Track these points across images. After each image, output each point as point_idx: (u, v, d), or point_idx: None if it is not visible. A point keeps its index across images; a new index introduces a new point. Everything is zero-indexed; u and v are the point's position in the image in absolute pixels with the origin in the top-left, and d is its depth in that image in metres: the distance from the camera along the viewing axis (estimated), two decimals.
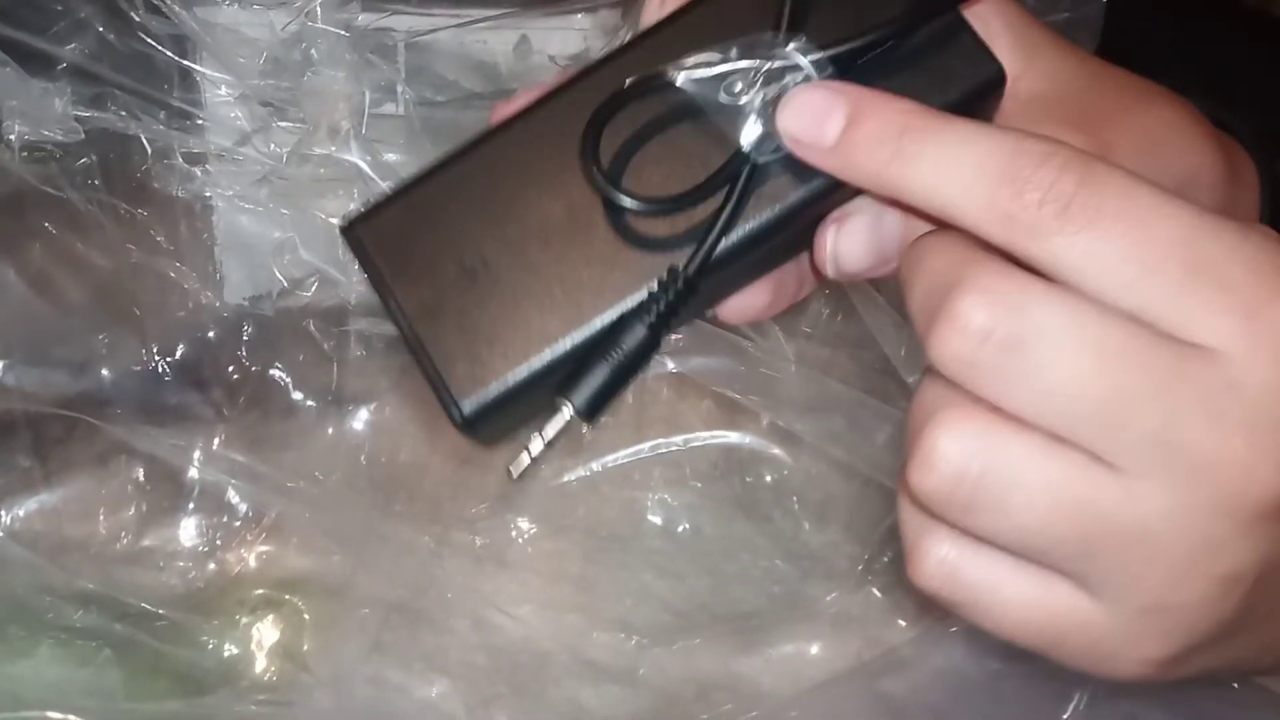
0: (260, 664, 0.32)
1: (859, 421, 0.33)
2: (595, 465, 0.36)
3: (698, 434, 0.35)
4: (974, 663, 0.28)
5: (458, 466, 0.38)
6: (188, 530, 0.35)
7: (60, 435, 0.34)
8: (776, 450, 0.39)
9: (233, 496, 0.33)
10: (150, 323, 0.34)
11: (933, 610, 0.32)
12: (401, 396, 0.37)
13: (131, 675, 0.30)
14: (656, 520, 0.38)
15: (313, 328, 0.34)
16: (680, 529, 0.38)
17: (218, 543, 0.34)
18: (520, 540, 0.36)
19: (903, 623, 0.32)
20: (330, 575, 0.34)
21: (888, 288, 0.31)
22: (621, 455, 0.36)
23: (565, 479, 0.36)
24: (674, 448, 0.35)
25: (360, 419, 0.36)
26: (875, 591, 0.33)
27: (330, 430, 0.37)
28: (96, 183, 0.31)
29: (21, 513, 0.34)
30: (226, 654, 0.32)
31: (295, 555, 0.35)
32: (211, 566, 0.34)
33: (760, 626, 0.35)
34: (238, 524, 0.33)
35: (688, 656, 0.34)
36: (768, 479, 0.40)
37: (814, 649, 0.34)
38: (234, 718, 0.30)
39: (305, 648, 0.33)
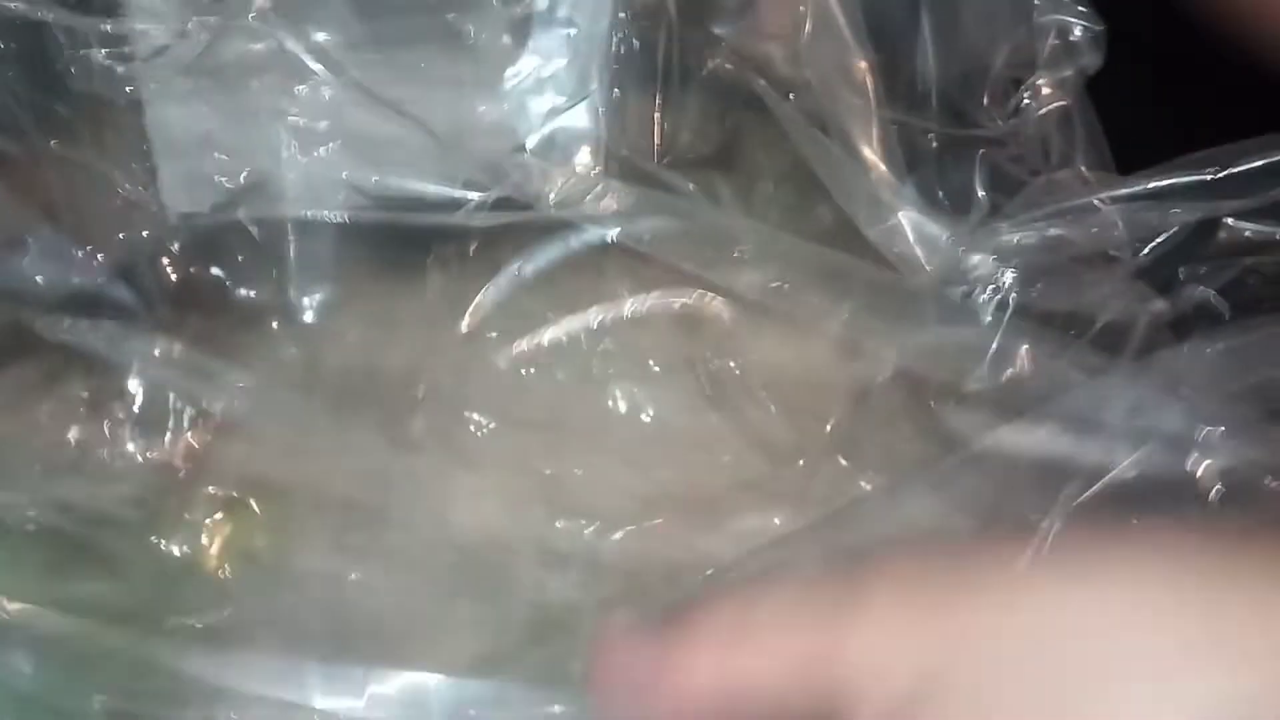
0: (213, 563, 0.31)
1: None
2: (545, 343, 0.35)
3: (646, 297, 0.34)
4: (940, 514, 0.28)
5: (409, 367, 0.38)
6: (133, 433, 0.34)
7: None
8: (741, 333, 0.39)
9: (177, 398, 0.32)
10: (83, 224, 0.32)
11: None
12: (348, 293, 0.35)
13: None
14: (620, 411, 0.37)
15: (251, 225, 0.33)
16: (645, 419, 0.37)
17: (165, 445, 0.33)
18: (480, 435, 0.35)
19: (868, 486, 0.32)
20: (283, 476, 0.34)
21: None
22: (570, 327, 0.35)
23: (521, 370, 0.35)
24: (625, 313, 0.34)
25: (306, 318, 0.35)
26: (840, 460, 0.33)
27: (277, 330, 0.36)
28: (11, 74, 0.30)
29: None
30: (177, 554, 0.31)
31: (245, 457, 0.34)
32: (158, 469, 0.33)
33: (727, 509, 0.35)
34: (185, 425, 0.32)
35: (652, 539, 0.33)
36: (733, 366, 0.39)
37: (778, 521, 0.34)
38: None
39: (260, 546, 0.32)
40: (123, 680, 0.28)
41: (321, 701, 0.27)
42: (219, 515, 0.32)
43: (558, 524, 0.33)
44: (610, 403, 0.37)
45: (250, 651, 0.29)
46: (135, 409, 0.32)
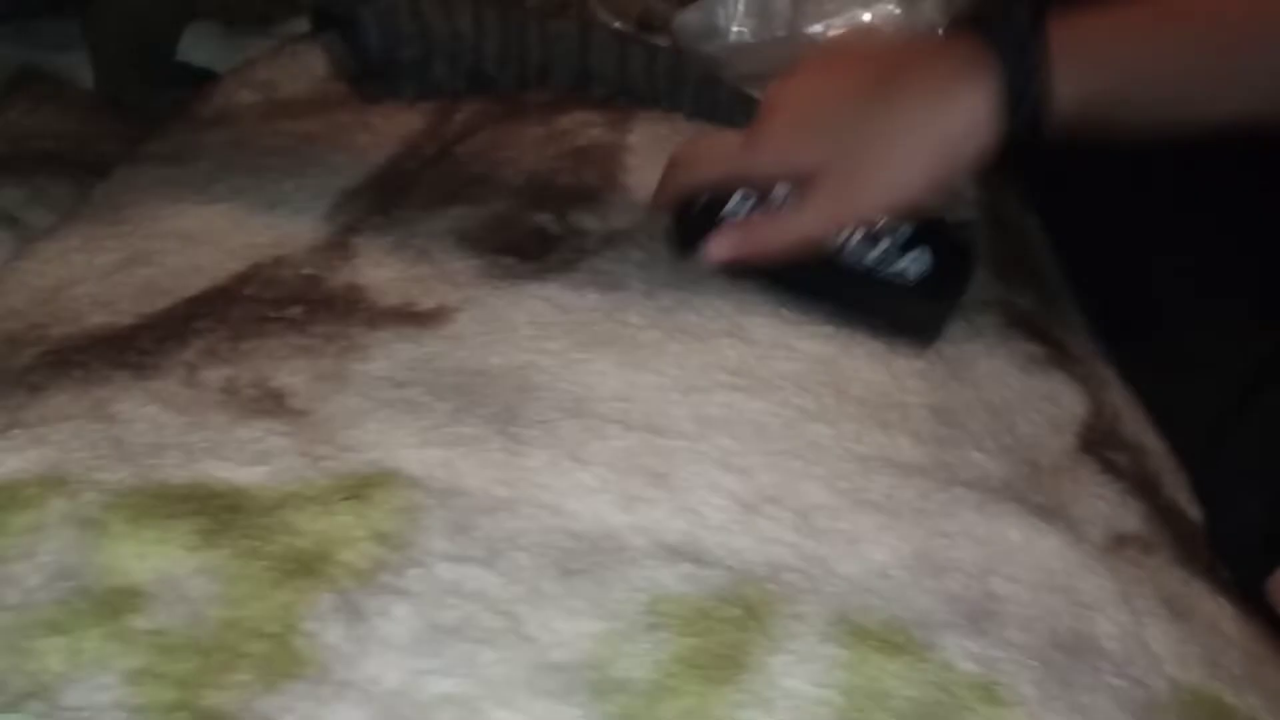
0: (348, 550, 0.33)
1: None
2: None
3: None
4: None
5: (520, 366, 0.39)
6: (269, 428, 0.36)
7: None
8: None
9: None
10: None
11: None
12: (464, 298, 0.37)
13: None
14: (723, 419, 0.39)
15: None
16: (746, 429, 0.39)
17: (298, 437, 0.35)
18: (594, 439, 0.37)
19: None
20: (413, 469, 0.35)
21: None
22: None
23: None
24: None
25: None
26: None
27: (412, 341, 0.38)
28: None
29: None
30: (314, 541, 0.33)
31: (378, 455, 0.36)
32: (295, 460, 0.35)
33: (829, 514, 0.36)
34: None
35: (759, 539, 0.35)
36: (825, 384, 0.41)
37: (876, 529, 0.35)
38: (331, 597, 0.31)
39: (389, 530, 0.33)
40: None
41: None
42: (355, 505, 0.34)
43: (668, 523, 0.35)
44: (712, 409, 0.39)
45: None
46: (266, 404, 0.34)
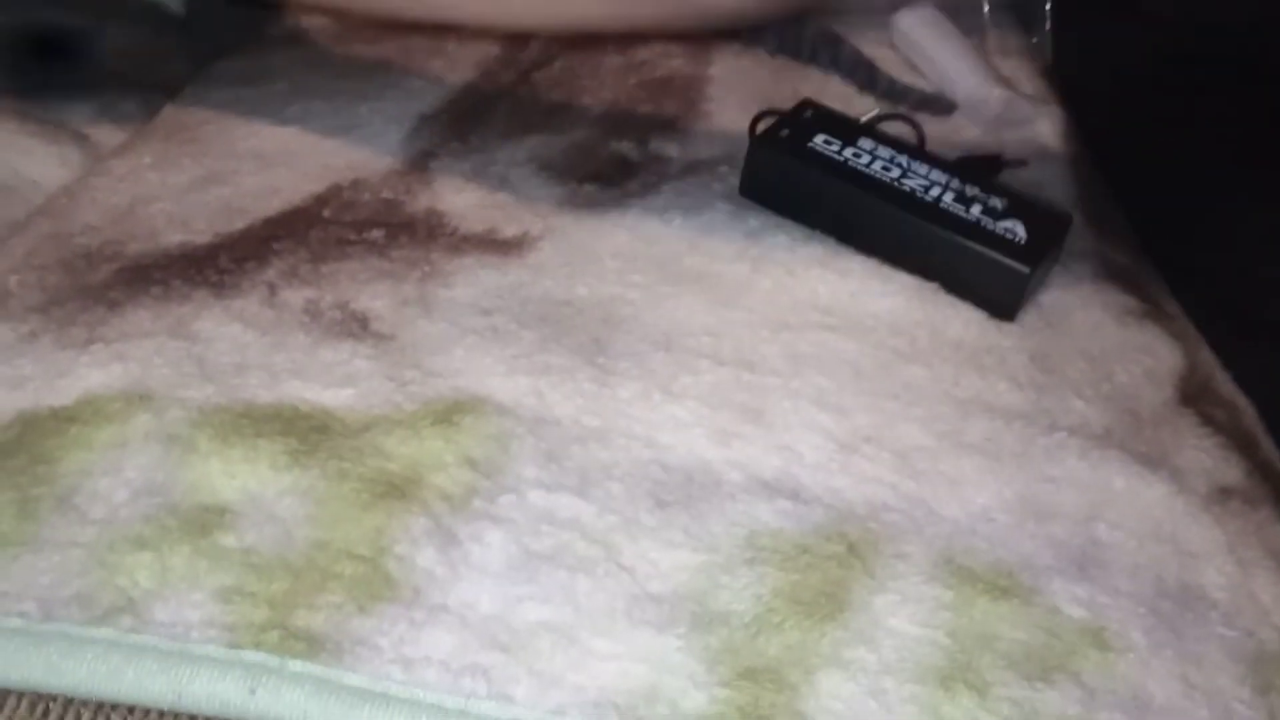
0: (439, 475, 0.32)
1: None
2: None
3: None
4: None
5: (610, 298, 0.38)
6: (354, 350, 0.35)
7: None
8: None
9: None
10: None
11: None
12: (548, 226, 0.36)
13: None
14: (816, 357, 0.37)
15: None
16: (840, 368, 0.37)
17: (383, 360, 0.34)
18: (684, 373, 0.36)
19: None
20: (502, 397, 0.34)
21: None
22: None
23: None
24: None
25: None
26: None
27: (496, 269, 0.37)
28: None
29: None
30: (404, 465, 0.32)
31: (466, 382, 0.35)
32: (382, 384, 0.34)
33: (928, 456, 0.35)
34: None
35: (857, 478, 0.34)
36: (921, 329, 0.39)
37: (977, 472, 0.34)
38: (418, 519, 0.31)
39: (480, 458, 0.32)
40: None
41: None
42: (447, 430, 0.33)
43: (764, 459, 0.34)
44: (804, 348, 0.38)
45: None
46: (362, 333, 0.33)
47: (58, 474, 0.31)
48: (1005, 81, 0.53)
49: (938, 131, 0.49)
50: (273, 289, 0.38)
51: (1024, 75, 0.55)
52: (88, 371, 0.34)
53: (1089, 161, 0.51)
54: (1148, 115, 0.50)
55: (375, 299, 0.37)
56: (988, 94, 0.52)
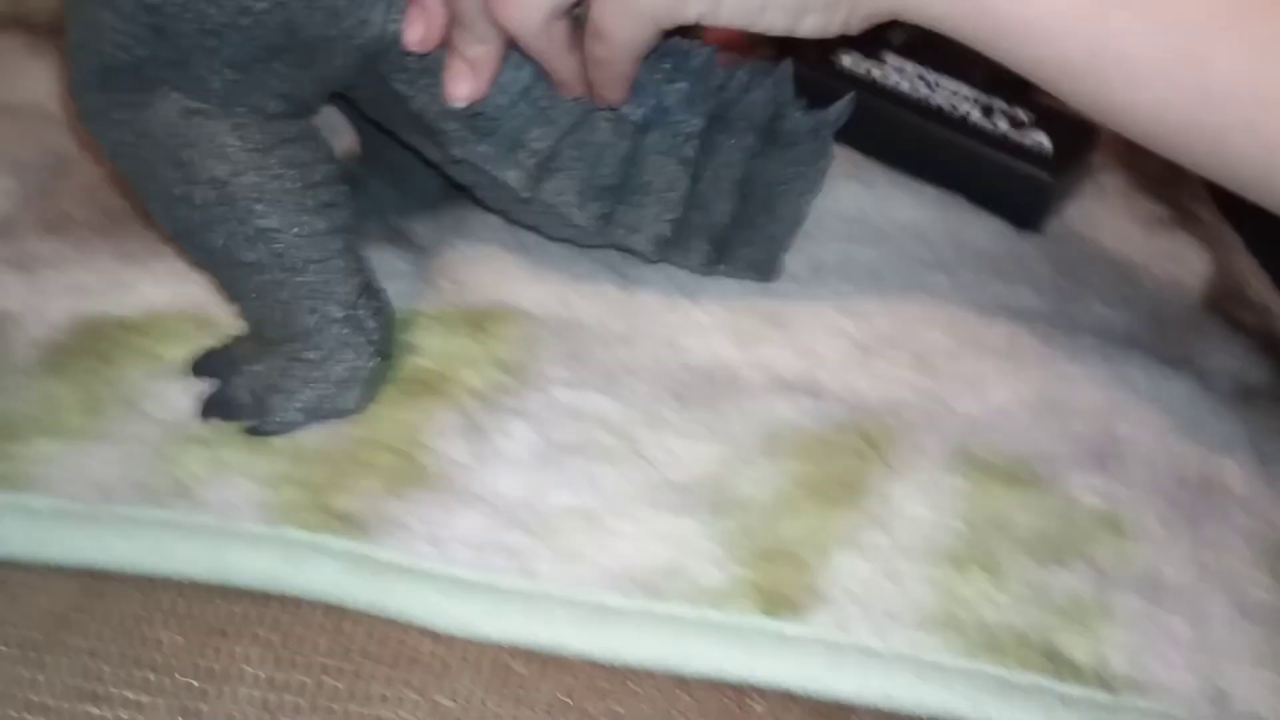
0: (469, 374, 0.33)
1: None
2: None
3: None
4: None
5: None
6: (394, 254, 0.36)
7: None
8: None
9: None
10: None
11: None
12: None
13: None
14: (838, 266, 0.38)
15: None
16: (862, 276, 0.37)
17: (419, 266, 0.35)
18: (709, 284, 0.36)
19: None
20: (527, 305, 0.35)
21: None
22: None
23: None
24: None
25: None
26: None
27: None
28: None
29: None
30: (436, 362, 0.33)
31: (496, 293, 0.36)
32: (419, 285, 0.35)
33: (948, 357, 0.35)
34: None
35: (876, 378, 0.34)
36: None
37: (996, 372, 0.34)
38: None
39: (508, 359, 0.33)
40: None
41: None
42: (472, 333, 0.34)
43: (784, 361, 0.34)
44: (826, 256, 0.38)
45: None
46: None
47: (124, 377, 0.33)
48: None
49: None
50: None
51: None
52: (149, 289, 0.35)
53: None
54: None
55: (415, 222, 0.38)
56: None
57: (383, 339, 0.32)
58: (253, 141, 0.30)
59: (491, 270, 0.37)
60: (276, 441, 0.31)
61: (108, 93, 0.30)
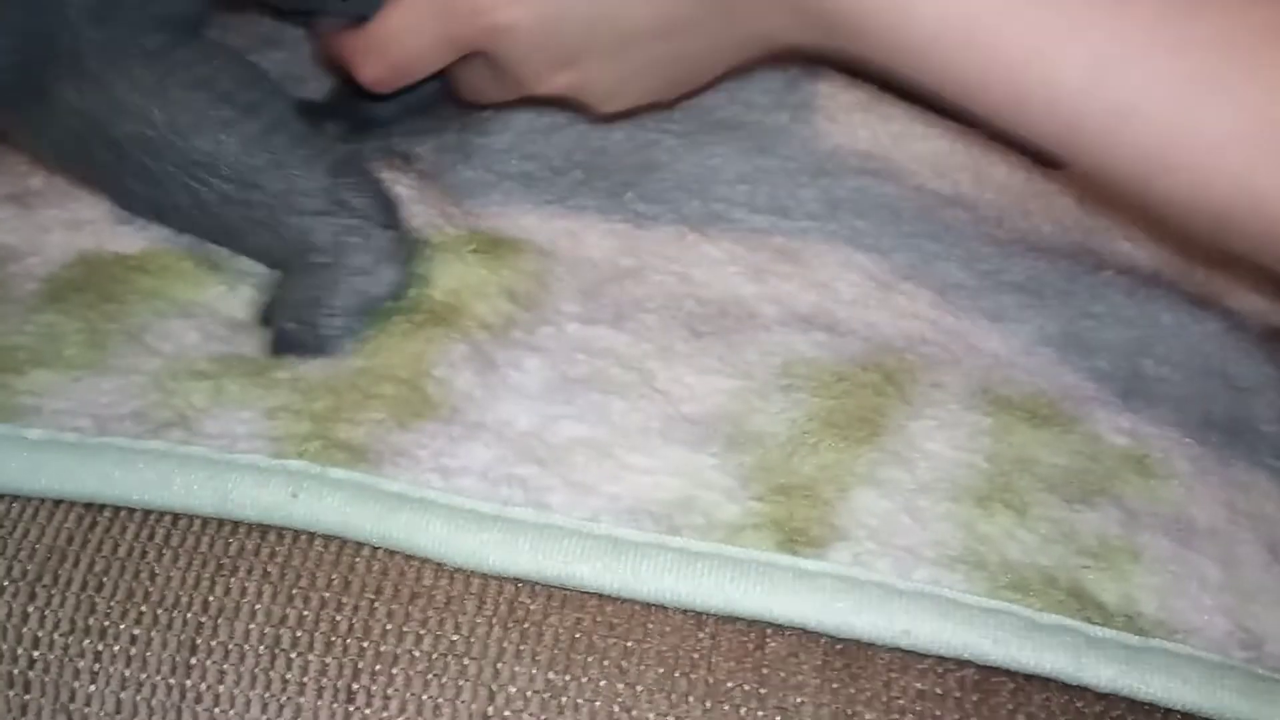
0: (478, 304, 0.31)
1: None
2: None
3: None
4: None
5: (637, 146, 0.37)
6: (396, 179, 0.35)
7: None
8: None
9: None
10: None
11: None
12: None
13: None
14: (853, 202, 0.36)
15: None
16: (879, 211, 0.36)
17: (426, 193, 0.34)
18: (720, 216, 0.35)
19: None
20: (537, 238, 0.34)
21: None
22: None
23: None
24: None
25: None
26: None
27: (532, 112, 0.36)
28: None
29: None
30: (445, 292, 0.31)
31: (504, 224, 0.34)
32: (424, 210, 0.34)
33: (968, 293, 0.33)
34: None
35: (895, 314, 0.32)
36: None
37: (1018, 308, 0.33)
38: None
39: (520, 291, 0.32)
40: None
41: None
42: (484, 264, 0.32)
43: (801, 295, 0.33)
44: (841, 193, 0.37)
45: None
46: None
47: (128, 313, 0.31)
48: None
49: None
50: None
51: None
52: (148, 225, 0.34)
53: None
54: None
55: (417, 145, 0.37)
56: None
57: (378, 209, 0.30)
58: (145, 85, 0.28)
59: (499, 198, 0.35)
60: (279, 372, 0.30)
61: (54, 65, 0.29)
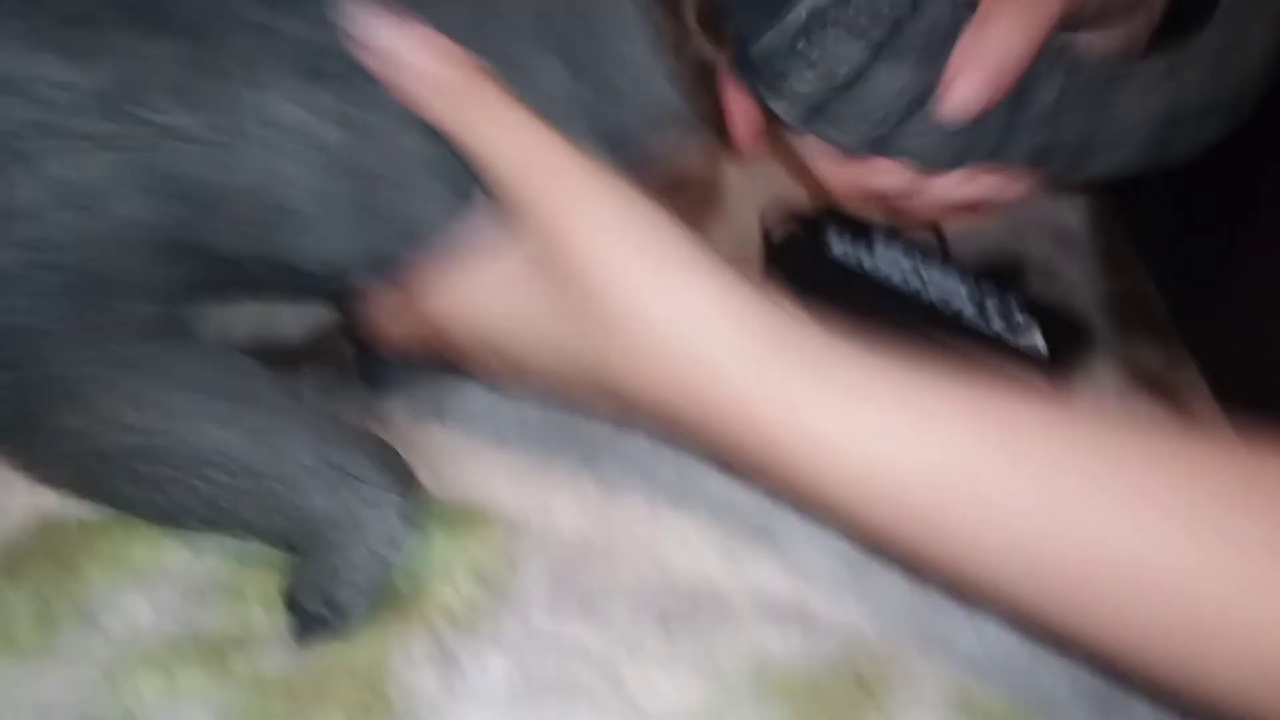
0: (443, 589, 0.31)
1: None
2: None
3: None
4: None
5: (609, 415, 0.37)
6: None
7: None
8: None
9: None
10: None
11: None
12: None
13: None
14: None
15: None
16: None
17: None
18: (694, 488, 0.35)
19: None
20: (508, 512, 0.33)
21: None
22: None
23: None
24: None
25: None
26: None
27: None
28: None
29: None
30: (409, 578, 0.31)
31: (471, 487, 0.34)
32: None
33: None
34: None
35: (868, 600, 0.32)
36: None
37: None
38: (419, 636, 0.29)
39: (486, 572, 0.31)
40: None
41: None
42: (452, 544, 0.32)
43: (773, 580, 0.32)
44: None
45: None
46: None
47: (82, 585, 0.30)
48: None
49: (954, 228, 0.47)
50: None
51: None
52: None
53: (1122, 252, 0.49)
54: (1196, 199, 0.48)
55: (394, 409, 0.36)
56: None
57: (385, 470, 0.30)
58: (142, 397, 0.28)
59: (471, 463, 0.35)
60: (238, 666, 0.29)
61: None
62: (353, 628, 0.29)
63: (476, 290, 0.29)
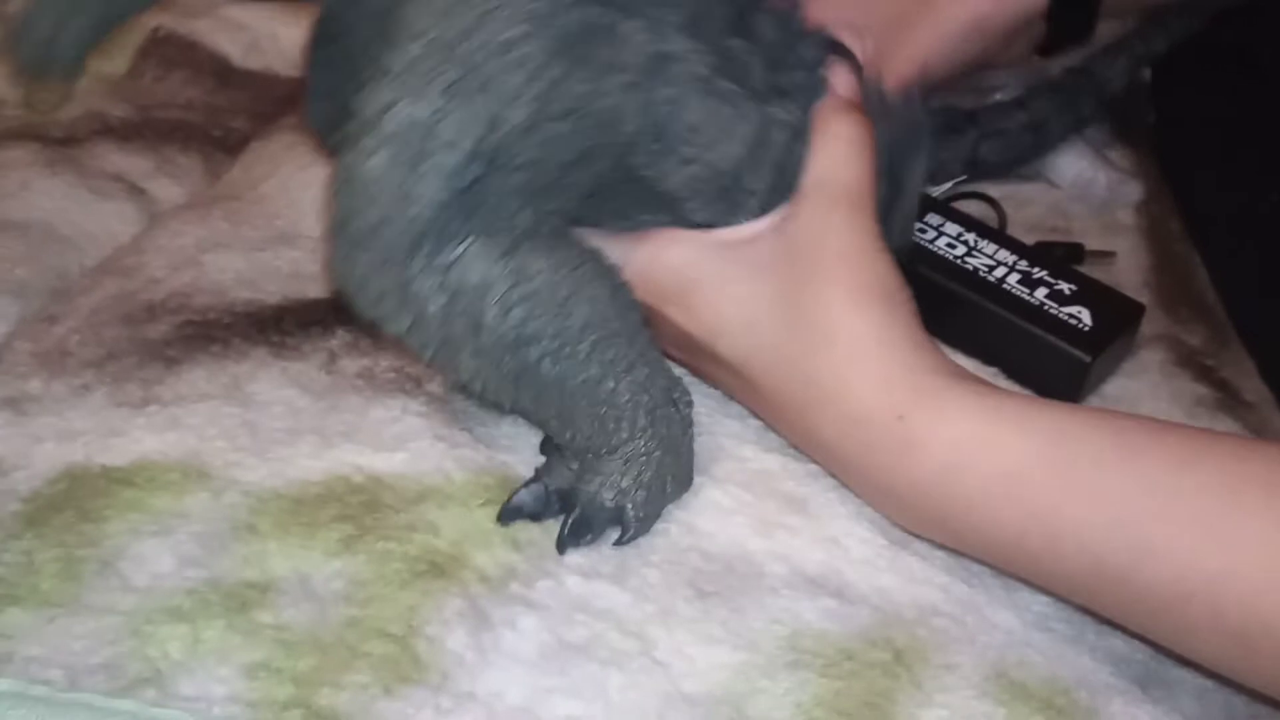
0: (480, 555, 0.30)
1: None
2: None
3: None
4: None
5: None
6: (405, 406, 0.34)
7: None
8: None
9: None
10: None
11: None
12: None
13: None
14: None
15: None
16: None
17: (434, 419, 0.33)
18: (728, 459, 0.34)
19: None
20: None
21: None
22: None
23: None
24: None
25: None
26: None
27: None
28: None
29: None
30: (451, 542, 0.30)
31: (512, 457, 0.33)
32: (433, 445, 0.33)
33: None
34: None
35: (905, 578, 0.31)
36: None
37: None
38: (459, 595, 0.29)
39: (524, 539, 0.31)
40: None
41: None
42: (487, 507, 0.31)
43: (808, 552, 0.31)
44: None
45: None
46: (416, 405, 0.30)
47: (105, 534, 0.30)
48: (1109, 163, 0.49)
49: (1021, 215, 0.46)
50: (332, 356, 0.36)
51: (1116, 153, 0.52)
52: (143, 435, 0.33)
53: (1170, 231, 0.47)
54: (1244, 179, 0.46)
55: (431, 370, 0.36)
56: (1095, 175, 0.48)
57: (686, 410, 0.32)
58: (561, 258, 0.30)
59: (508, 429, 0.34)
60: (262, 618, 0.28)
61: (415, 260, 0.28)
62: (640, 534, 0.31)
63: (734, 261, 0.32)
